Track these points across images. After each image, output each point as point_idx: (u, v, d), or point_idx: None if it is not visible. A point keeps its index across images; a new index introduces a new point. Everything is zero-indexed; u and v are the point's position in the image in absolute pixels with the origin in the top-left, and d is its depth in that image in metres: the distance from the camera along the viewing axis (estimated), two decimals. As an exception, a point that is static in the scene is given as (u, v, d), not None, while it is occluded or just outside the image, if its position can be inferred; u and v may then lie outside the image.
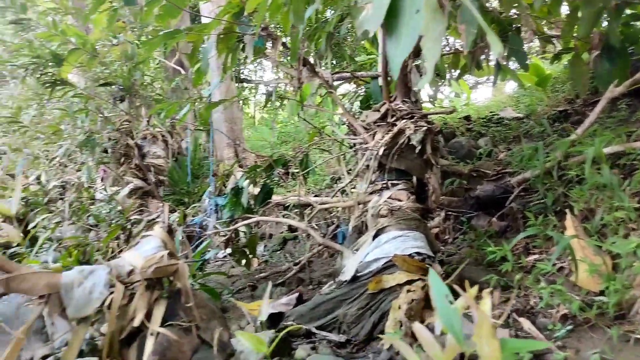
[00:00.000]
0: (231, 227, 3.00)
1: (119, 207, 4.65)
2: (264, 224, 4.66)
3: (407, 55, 0.75)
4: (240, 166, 5.49)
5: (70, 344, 1.24)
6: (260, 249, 4.46)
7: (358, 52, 5.94)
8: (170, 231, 1.48)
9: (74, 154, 5.76)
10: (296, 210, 4.44)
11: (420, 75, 2.73)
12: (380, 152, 2.59)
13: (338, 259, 2.88)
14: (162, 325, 1.27)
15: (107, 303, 1.27)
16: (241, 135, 5.90)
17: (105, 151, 5.40)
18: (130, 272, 1.32)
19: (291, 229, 4.61)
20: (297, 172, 3.25)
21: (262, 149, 7.41)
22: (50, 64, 5.32)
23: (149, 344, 1.23)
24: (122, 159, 5.34)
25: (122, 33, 5.31)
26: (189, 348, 1.28)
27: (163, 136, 5.63)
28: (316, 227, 3.81)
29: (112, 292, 1.28)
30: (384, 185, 2.67)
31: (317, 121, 5.91)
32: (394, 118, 2.73)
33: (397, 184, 2.65)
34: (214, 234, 3.19)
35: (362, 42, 5.45)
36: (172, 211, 4.60)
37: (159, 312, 1.28)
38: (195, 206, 3.94)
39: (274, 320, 2.23)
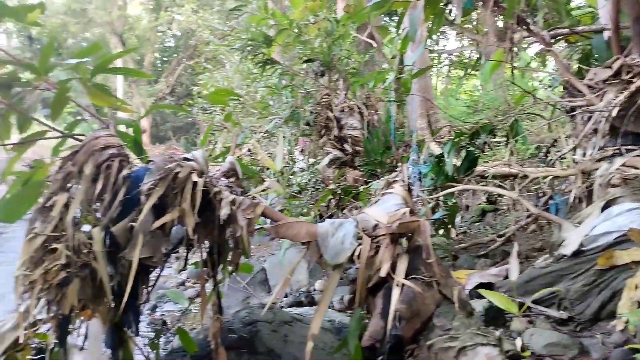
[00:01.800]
0: (435, 195, 3.02)
1: (319, 176, 5.00)
2: (460, 195, 4.58)
3: None
4: (433, 135, 5.44)
5: (327, 286, 1.40)
6: (456, 219, 4.40)
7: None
8: (409, 190, 1.55)
9: (280, 128, 6.31)
10: (496, 180, 4.25)
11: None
12: (614, 114, 2.32)
13: (555, 231, 2.69)
14: (406, 278, 1.34)
15: (356, 254, 1.39)
16: (434, 105, 5.83)
17: (308, 124, 5.81)
18: (375, 227, 1.42)
19: (490, 200, 4.45)
20: (505, 140, 3.09)
21: (451, 120, 7.22)
22: (262, 45, 5.86)
23: (395, 293, 1.32)
24: (323, 131, 5.68)
25: (321, 11, 5.59)
26: (431, 302, 1.33)
27: (359, 108, 5.84)
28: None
29: (359, 244, 1.40)
30: (616, 151, 2.39)
31: (517, 88, 5.52)
32: (630, 75, 2.40)
33: (633, 150, 2.36)
34: (419, 202, 3.24)
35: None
36: (366, 181, 4.78)
37: (402, 265, 1.36)
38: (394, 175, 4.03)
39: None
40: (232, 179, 1.59)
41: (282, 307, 2.99)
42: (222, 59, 10.55)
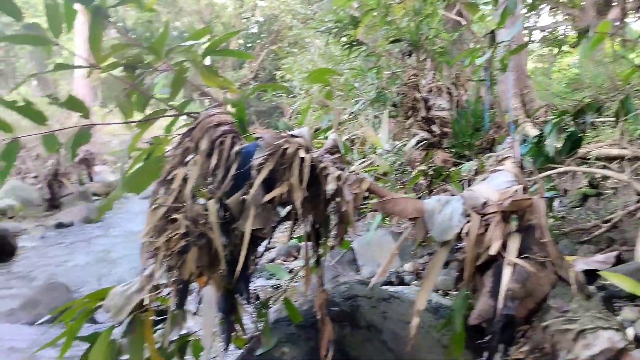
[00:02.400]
0: (533, 177, 2.87)
1: (404, 159, 4.92)
2: (559, 178, 4.33)
3: None
4: (528, 116, 5.16)
5: (433, 263, 1.39)
6: (554, 204, 4.17)
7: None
8: (522, 167, 1.49)
9: (365, 110, 6.27)
10: (600, 162, 3.97)
11: None
12: None
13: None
14: (518, 257, 1.30)
15: (464, 231, 1.36)
16: (528, 84, 5.52)
17: (394, 105, 5.73)
18: (484, 204, 1.38)
19: (592, 184, 4.17)
20: (611, 119, 2.85)
21: (547, 99, 6.81)
22: (348, 27, 5.84)
23: (506, 272, 1.28)
24: (409, 113, 5.59)
25: (407, -11, 5.46)
26: (546, 282, 1.28)
27: (448, 88, 5.67)
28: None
29: (468, 222, 1.37)
30: None
31: (623, 63, 5.08)
32: None
33: None
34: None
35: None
36: (455, 163, 4.65)
37: (514, 244, 1.32)
38: (490, 155, 3.89)
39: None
40: (335, 156, 1.62)
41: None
42: (305, 43, 10.66)
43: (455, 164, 4.41)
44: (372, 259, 3.74)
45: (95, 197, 10.05)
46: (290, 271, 3.80)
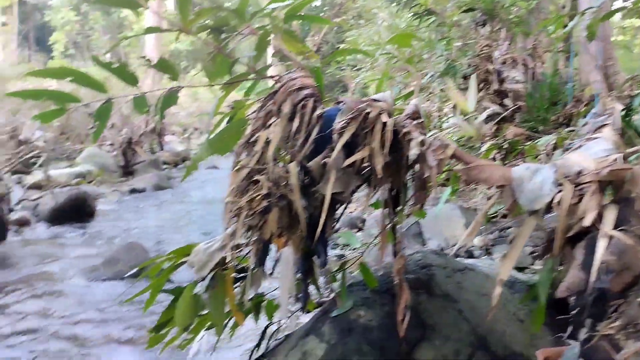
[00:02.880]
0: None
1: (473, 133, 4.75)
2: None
3: None
4: (612, 89, 4.84)
5: (520, 232, 1.35)
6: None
7: None
8: (622, 134, 1.40)
9: (432, 82, 6.09)
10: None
11: None
12: None
13: None
14: (614, 229, 1.23)
15: (555, 200, 1.31)
16: (613, 55, 5.16)
17: (465, 77, 5.53)
18: (579, 173, 1.31)
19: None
20: None
21: (629, 72, 6.35)
22: (419, -5, 5.64)
23: (602, 245, 1.22)
24: (481, 85, 5.38)
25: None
26: (645, 256, 1.21)
27: (523, 60, 5.40)
28: None
29: (559, 191, 1.31)
30: None
31: None
32: None
33: None
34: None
35: None
36: (529, 138, 4.45)
37: (611, 215, 1.25)
38: (571, 130, 3.70)
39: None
40: (417, 121, 1.58)
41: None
42: (370, 15, 10.47)
43: (529, 139, 4.23)
44: (439, 233, 3.69)
45: (165, 166, 10.50)
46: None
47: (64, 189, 6.18)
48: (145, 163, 9.50)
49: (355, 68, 9.97)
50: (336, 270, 1.82)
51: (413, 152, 1.44)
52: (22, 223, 5.56)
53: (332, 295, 1.83)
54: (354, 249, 2.48)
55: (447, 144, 1.44)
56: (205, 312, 1.89)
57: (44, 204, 5.98)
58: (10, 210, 5.38)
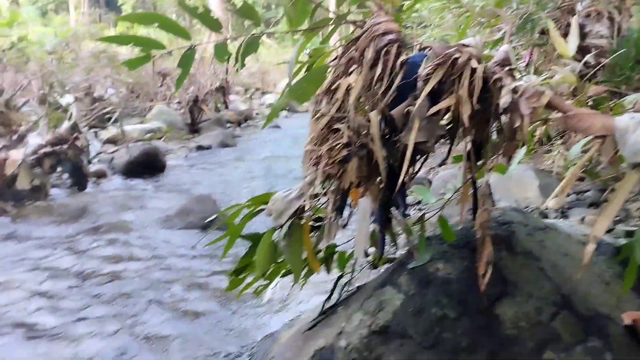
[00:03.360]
0: None
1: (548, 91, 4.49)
2: None
3: None
4: None
5: (621, 186, 1.26)
6: None
7: None
8: None
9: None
10: None
11: None
12: None
13: None
14: None
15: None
16: None
17: (543, 32, 5.19)
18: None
19: None
20: None
21: None
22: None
23: None
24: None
25: None
26: None
27: (609, 13, 4.98)
28: None
29: (669, 143, 1.21)
30: None
31: None
32: None
33: None
34: None
35: None
36: (611, 96, 4.14)
37: None
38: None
39: None
40: (507, 68, 1.49)
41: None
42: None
43: (612, 98, 3.94)
44: (509, 194, 3.56)
45: (229, 124, 10.73)
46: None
47: (137, 144, 6.47)
48: (210, 121, 9.74)
49: (422, 25, 9.61)
50: (414, 224, 1.79)
51: (504, 100, 1.36)
52: (100, 175, 5.89)
53: (407, 248, 1.81)
54: (426, 205, 2.44)
55: (542, 90, 1.35)
56: (280, 260, 1.93)
57: (119, 158, 6.30)
58: (89, 162, 5.71)
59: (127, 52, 11.21)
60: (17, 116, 5.37)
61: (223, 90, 10.34)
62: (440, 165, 2.12)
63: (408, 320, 1.50)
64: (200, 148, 8.07)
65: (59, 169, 5.20)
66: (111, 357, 2.28)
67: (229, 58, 1.74)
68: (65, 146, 4.92)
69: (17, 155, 4.74)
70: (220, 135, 8.71)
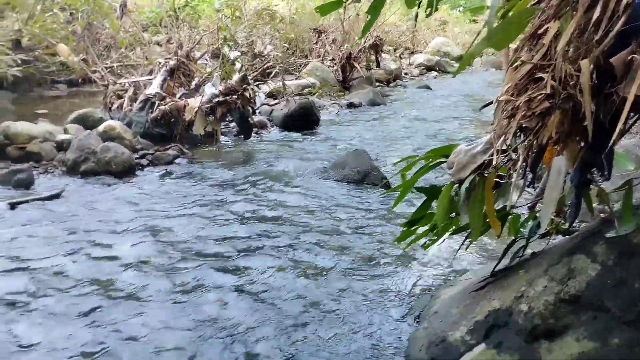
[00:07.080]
0: None
1: None
2: None
3: None
4: None
5: None
6: None
7: None
8: None
9: None
10: None
11: None
12: None
13: None
14: None
15: None
16: None
17: None
18: None
19: None
20: None
21: None
22: None
23: None
24: None
25: None
26: None
27: None
28: None
29: None
30: None
31: None
32: None
33: None
34: None
35: None
36: None
37: None
38: None
39: None
40: None
41: None
42: None
43: None
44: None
45: (378, 83, 10.68)
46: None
47: (295, 98, 6.75)
48: (360, 79, 9.78)
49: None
50: (615, 189, 1.61)
51: None
52: (262, 126, 6.30)
53: (602, 215, 1.64)
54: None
55: None
56: (452, 215, 1.88)
57: (278, 110, 6.65)
58: (254, 113, 6.12)
59: (284, 10, 11.65)
60: (196, 67, 5.92)
61: (376, 47, 10.25)
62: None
63: (606, 292, 1.37)
64: (350, 105, 8.18)
65: (228, 117, 5.65)
66: (278, 286, 2.46)
67: (419, 4, 1.68)
68: (235, 96, 5.31)
69: (194, 103, 5.25)
70: (370, 93, 8.72)
